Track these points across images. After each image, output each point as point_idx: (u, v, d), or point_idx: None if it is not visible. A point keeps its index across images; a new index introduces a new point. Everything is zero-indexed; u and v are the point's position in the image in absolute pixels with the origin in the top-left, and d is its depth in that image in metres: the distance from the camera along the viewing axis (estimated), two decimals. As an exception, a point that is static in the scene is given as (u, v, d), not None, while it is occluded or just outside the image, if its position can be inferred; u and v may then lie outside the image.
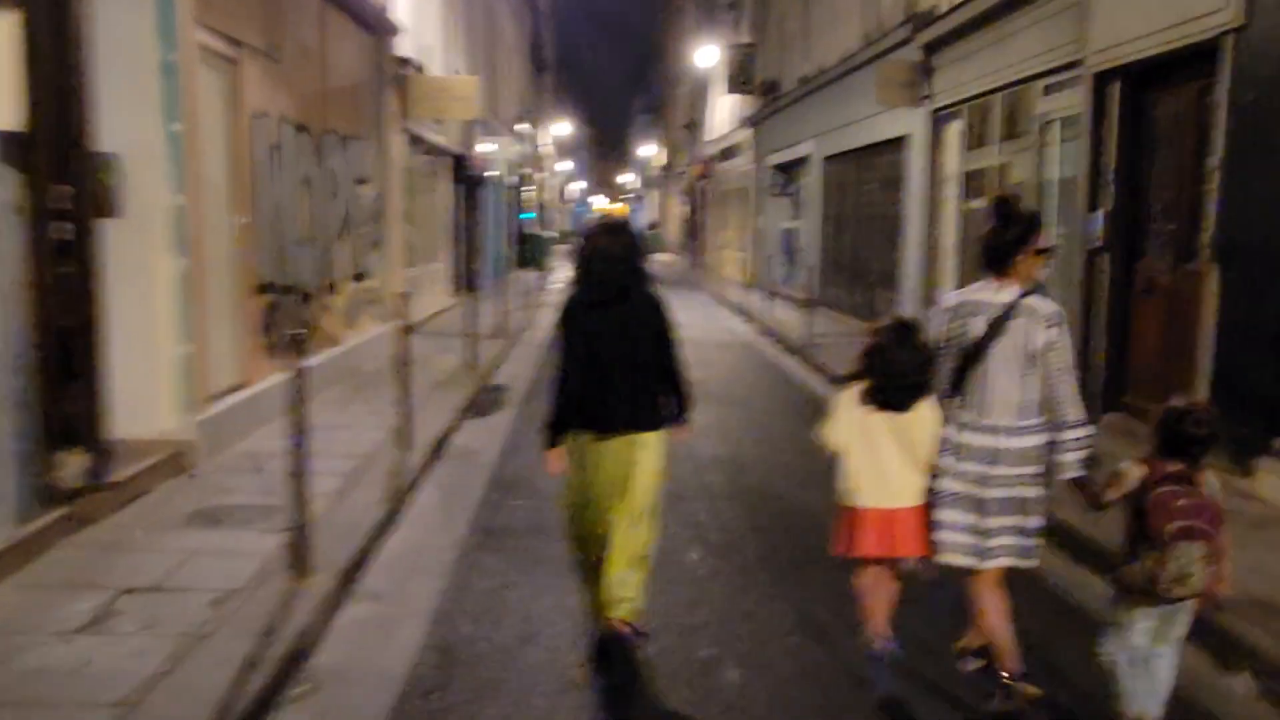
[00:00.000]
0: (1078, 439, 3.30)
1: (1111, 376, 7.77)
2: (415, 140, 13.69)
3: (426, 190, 15.40)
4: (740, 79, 23.99)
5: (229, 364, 6.83)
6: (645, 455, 3.70)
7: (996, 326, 3.31)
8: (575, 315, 3.71)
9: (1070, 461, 3.31)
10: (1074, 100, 8.40)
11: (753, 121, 23.47)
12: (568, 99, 59.86)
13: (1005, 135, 10.07)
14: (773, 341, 14.33)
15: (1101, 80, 7.76)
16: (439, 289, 16.21)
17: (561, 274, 30.57)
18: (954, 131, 11.55)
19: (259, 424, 6.91)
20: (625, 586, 3.61)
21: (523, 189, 32.66)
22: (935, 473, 3.46)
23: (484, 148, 19.76)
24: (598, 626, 3.68)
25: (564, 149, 62.58)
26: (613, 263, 3.69)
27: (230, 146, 6.84)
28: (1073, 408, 3.30)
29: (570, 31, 66.73)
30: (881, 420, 3.44)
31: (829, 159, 17.16)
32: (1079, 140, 8.27)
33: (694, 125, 37.92)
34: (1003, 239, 3.36)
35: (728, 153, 28.20)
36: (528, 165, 32.81)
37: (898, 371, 3.37)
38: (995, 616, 3.46)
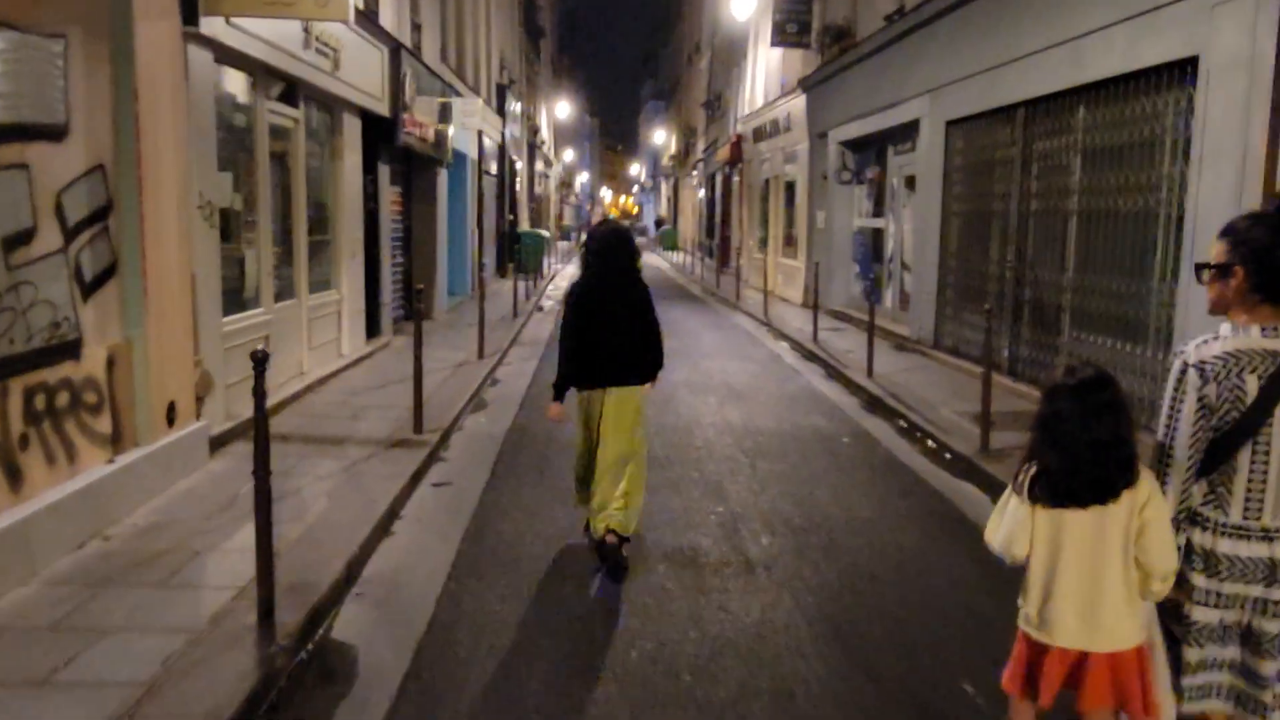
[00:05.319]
0: None
1: None
2: (250, 66, 7.46)
3: (303, 167, 9.27)
4: (792, 27, 17.98)
5: None
6: (637, 400, 4.85)
7: (1277, 387, 2.28)
8: (584, 297, 4.77)
9: None
10: None
11: (810, 84, 17.42)
12: (570, 82, 53.84)
13: None
14: (898, 429, 8.22)
15: None
16: (339, 335, 10.11)
17: (561, 282, 24.54)
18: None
19: None
20: (621, 502, 4.71)
21: (514, 178, 26.55)
22: (1179, 599, 2.45)
23: (430, 110, 13.62)
24: (595, 532, 4.73)
25: (566, 136, 56.51)
26: (615, 259, 4.84)
27: None
28: None
29: (573, 4, 60.85)
30: (1075, 520, 2.43)
31: (955, 124, 11.14)
32: None
33: (718, 102, 31.81)
34: None
35: (764, 130, 22.12)
36: (515, 148, 26.72)
37: (1079, 444, 2.38)
38: None
